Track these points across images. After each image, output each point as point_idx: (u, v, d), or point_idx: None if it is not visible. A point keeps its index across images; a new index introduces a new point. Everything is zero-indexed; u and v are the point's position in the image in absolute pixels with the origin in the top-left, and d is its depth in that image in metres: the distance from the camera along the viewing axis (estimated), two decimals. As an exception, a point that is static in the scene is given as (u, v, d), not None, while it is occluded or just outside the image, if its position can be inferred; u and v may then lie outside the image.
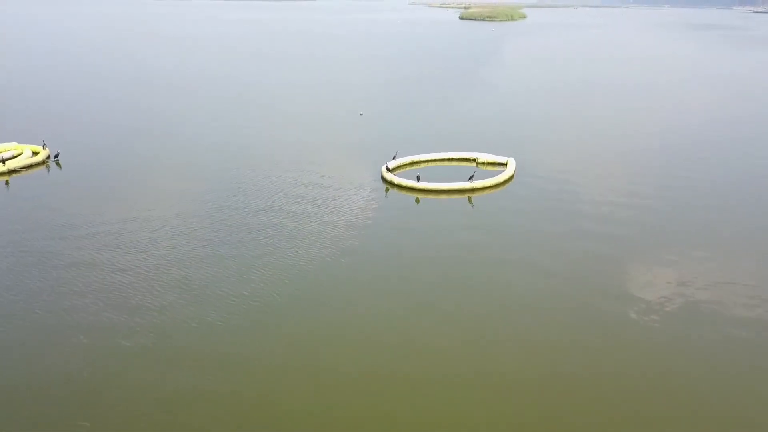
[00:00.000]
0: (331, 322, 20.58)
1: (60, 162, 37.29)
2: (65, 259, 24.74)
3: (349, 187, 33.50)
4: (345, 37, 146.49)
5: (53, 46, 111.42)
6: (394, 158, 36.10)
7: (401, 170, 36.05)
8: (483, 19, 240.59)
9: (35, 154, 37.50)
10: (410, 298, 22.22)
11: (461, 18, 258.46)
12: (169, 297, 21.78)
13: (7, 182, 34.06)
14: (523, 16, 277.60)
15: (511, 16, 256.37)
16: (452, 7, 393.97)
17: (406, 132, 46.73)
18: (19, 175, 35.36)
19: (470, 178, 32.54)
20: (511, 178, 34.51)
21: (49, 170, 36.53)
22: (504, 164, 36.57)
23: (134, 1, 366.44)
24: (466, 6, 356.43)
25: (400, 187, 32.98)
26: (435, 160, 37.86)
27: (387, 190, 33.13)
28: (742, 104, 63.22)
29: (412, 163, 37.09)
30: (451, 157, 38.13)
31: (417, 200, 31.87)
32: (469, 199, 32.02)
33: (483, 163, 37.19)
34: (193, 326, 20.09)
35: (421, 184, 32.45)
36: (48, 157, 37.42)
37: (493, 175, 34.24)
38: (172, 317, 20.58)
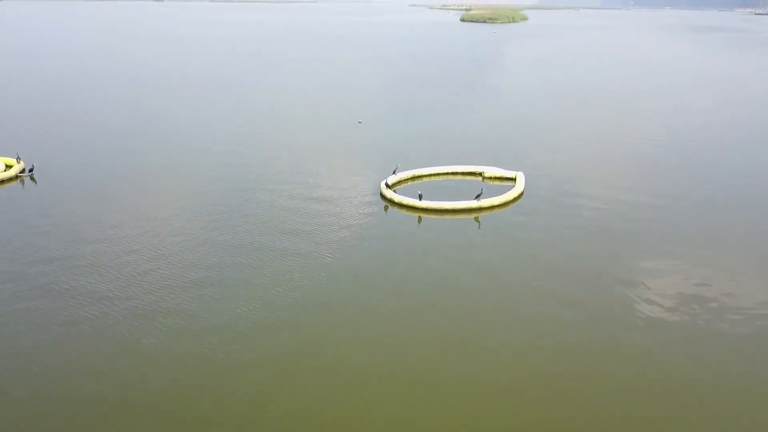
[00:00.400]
0: (326, 335, 18.24)
1: (35, 176, 34.74)
2: (27, 286, 22.18)
3: (346, 204, 31.01)
4: (344, 38, 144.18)
5: (45, 49, 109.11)
6: (394, 172, 33.50)
7: (402, 185, 33.57)
8: (484, 21, 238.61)
9: (9, 167, 34.95)
10: (413, 299, 20.17)
11: (462, 20, 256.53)
12: (140, 331, 19.28)
13: (-24, 198, 31.61)
14: (525, 18, 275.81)
15: (512, 18, 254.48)
16: (453, 9, 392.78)
17: (407, 141, 44.29)
18: (-10, 190, 32.98)
19: (477, 197, 30.01)
20: (520, 195, 31.87)
21: (23, 185, 34.02)
22: (512, 179, 34.04)
23: (134, 3, 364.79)
24: (467, 8, 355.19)
25: (400, 205, 30.38)
26: (438, 174, 35.28)
27: (386, 208, 30.60)
28: (753, 108, 60.95)
29: (414, 178, 34.54)
30: (455, 170, 35.54)
31: (419, 219, 29.36)
32: (476, 218, 29.52)
33: (490, 178, 34.64)
34: (161, 375, 17.61)
35: (423, 203, 29.87)
36: (22, 170, 34.86)
37: (502, 192, 31.74)
38: (140, 361, 18.09)
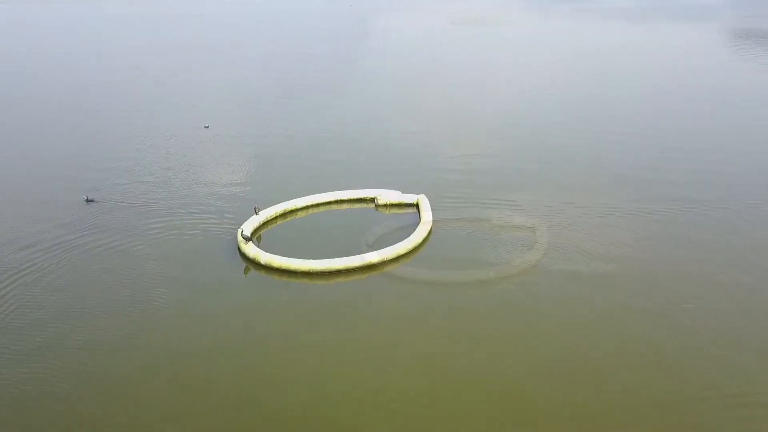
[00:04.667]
0: None
1: None
2: None
3: (186, 257, 21.39)
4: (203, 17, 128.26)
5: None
6: (256, 212, 24.15)
7: (270, 227, 24.43)
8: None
9: None
10: None
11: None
12: None
13: None
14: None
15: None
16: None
17: (269, 150, 34.72)
18: None
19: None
20: (428, 236, 23.27)
21: None
22: (413, 205, 26.06)
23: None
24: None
25: (270, 268, 21.03)
26: (318, 205, 26.30)
27: (247, 270, 21.35)
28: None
29: (284, 214, 25.41)
30: (339, 198, 26.76)
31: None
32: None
33: (385, 206, 26.37)
34: None
35: (305, 264, 20.56)
36: None
37: (401, 225, 23.93)
38: None
